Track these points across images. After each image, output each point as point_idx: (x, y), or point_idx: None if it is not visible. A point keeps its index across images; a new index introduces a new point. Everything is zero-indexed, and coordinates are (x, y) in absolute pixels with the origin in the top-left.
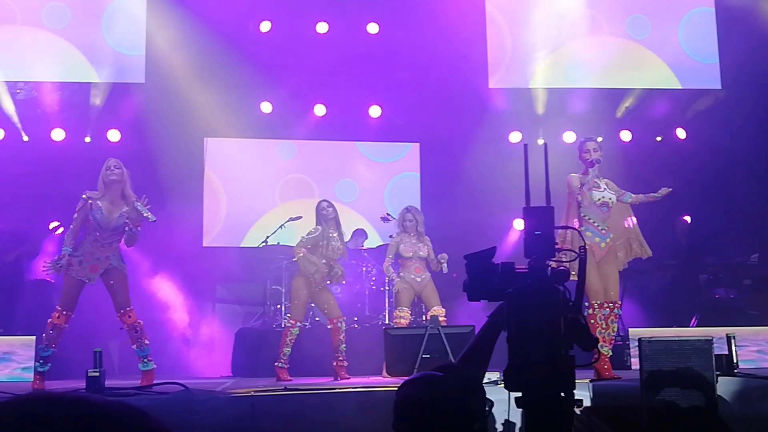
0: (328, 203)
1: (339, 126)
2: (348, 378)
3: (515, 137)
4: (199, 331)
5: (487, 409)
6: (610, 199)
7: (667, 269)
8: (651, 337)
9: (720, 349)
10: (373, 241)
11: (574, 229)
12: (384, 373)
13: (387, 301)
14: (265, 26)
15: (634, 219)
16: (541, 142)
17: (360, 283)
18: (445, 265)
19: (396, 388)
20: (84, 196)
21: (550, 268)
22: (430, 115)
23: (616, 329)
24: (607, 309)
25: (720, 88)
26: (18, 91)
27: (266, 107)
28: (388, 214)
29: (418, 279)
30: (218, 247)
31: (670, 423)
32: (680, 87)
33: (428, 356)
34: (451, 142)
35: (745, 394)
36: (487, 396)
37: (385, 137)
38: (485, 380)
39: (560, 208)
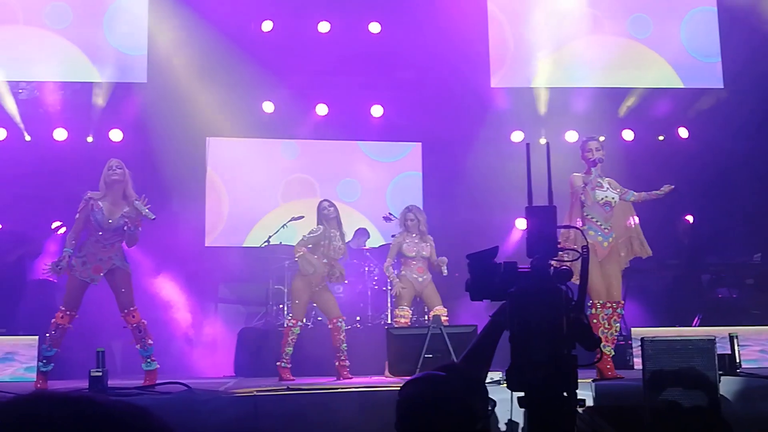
0: (329, 203)
1: (341, 125)
2: (350, 378)
3: (517, 137)
4: (202, 330)
5: (489, 408)
6: (613, 198)
7: (670, 269)
8: (654, 337)
9: (723, 348)
10: (375, 240)
11: (577, 228)
12: (386, 372)
13: (389, 300)
14: (267, 26)
15: (636, 218)
16: (543, 141)
17: (362, 282)
18: (444, 268)
19: (398, 388)
20: (85, 196)
21: (552, 267)
22: (432, 114)
23: (618, 329)
24: (610, 309)
25: (722, 87)
26: (20, 91)
27: (268, 107)
28: (390, 214)
29: (420, 279)
30: (221, 246)
31: (672, 423)
32: (682, 86)
33: (431, 356)
34: (453, 142)
35: (747, 393)
36: (490, 396)
37: (387, 137)
38: (488, 380)
39: (563, 207)
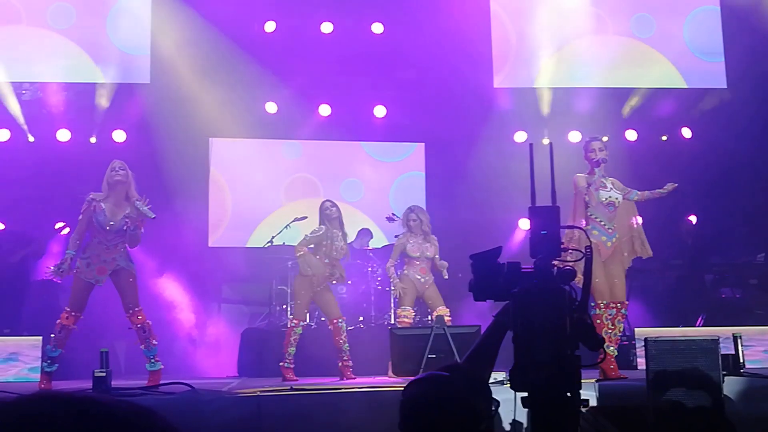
0: (331, 203)
1: (344, 126)
2: (354, 378)
3: (520, 137)
4: (205, 331)
5: (493, 409)
6: (616, 198)
7: (673, 269)
8: (657, 337)
9: (726, 348)
10: (378, 240)
11: (581, 228)
12: (390, 373)
13: (392, 301)
14: (270, 26)
15: (640, 218)
16: (546, 141)
17: (365, 283)
18: (444, 272)
19: (402, 388)
20: (88, 198)
21: (555, 267)
22: (435, 114)
23: (622, 329)
24: (614, 309)
25: (725, 87)
26: (24, 91)
27: (271, 107)
28: (393, 214)
29: (422, 280)
30: (224, 247)
31: (676, 423)
32: (685, 86)
33: (434, 356)
34: (456, 142)
35: (751, 394)
36: (493, 396)
37: (390, 137)
38: (491, 380)
39: (566, 208)
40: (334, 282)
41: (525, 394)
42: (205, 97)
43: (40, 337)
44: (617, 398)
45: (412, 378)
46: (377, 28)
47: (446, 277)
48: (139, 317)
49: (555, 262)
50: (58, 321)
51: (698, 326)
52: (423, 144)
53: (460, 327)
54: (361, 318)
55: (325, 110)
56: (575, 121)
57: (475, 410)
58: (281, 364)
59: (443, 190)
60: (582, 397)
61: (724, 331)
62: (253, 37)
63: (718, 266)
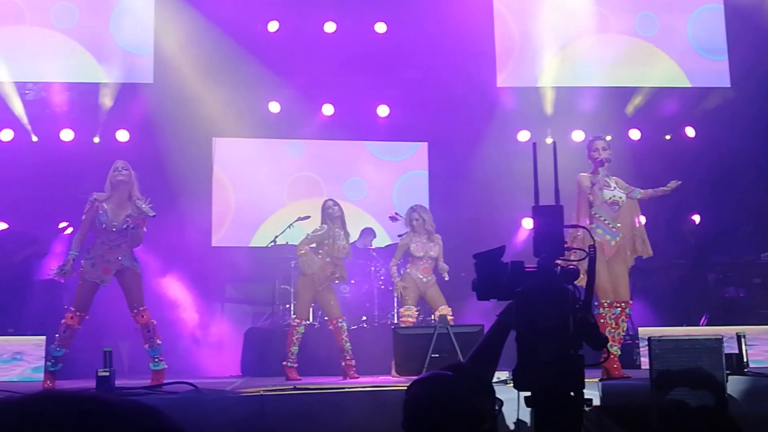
0: (333, 202)
1: (347, 125)
2: (357, 377)
3: (524, 136)
4: (209, 330)
5: (496, 408)
6: (620, 197)
7: (677, 268)
8: (661, 336)
9: (730, 348)
10: (381, 240)
11: (584, 227)
12: (393, 372)
13: (395, 300)
14: (273, 26)
15: (643, 218)
16: (549, 140)
17: (368, 282)
18: (445, 274)
19: (405, 388)
20: (91, 198)
21: (559, 267)
22: (438, 113)
23: (625, 328)
24: (618, 308)
25: (729, 86)
26: (27, 91)
27: (274, 107)
28: (397, 213)
29: (424, 279)
30: (227, 246)
31: (679, 422)
32: (689, 85)
33: (437, 355)
34: (459, 141)
35: (755, 393)
36: (497, 395)
37: (393, 136)
38: (494, 379)
39: (569, 207)
40: (336, 281)
41: (528, 394)
42: (209, 96)
43: (44, 337)
44: (620, 398)
45: (416, 377)
46: (380, 27)
47: (447, 279)
48: (144, 316)
49: (558, 262)
50: (63, 321)
51: (702, 325)
52: (426, 143)
53: (463, 326)
54: (364, 317)
55: (328, 110)
56: (578, 120)
57: (478, 410)
58: (284, 363)
59: (446, 190)
60: (585, 397)
61: (727, 331)
62: (256, 36)
63: (721, 265)
